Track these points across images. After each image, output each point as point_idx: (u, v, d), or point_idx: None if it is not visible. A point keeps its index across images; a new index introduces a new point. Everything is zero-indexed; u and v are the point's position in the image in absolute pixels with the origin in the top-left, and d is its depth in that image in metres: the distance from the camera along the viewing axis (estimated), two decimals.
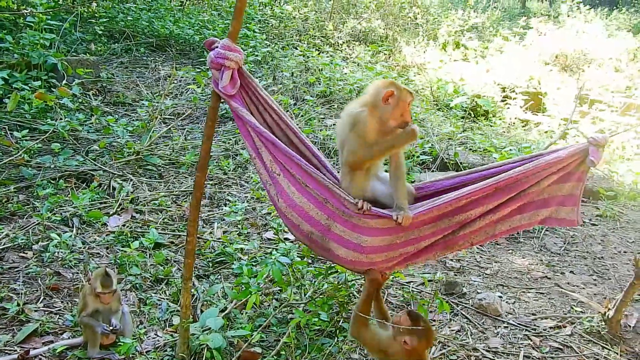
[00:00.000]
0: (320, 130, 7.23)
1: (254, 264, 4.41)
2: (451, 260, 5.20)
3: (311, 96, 8.37)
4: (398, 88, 3.04)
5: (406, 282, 4.63)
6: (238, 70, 3.08)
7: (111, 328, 3.53)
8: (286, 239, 4.83)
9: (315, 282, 4.15)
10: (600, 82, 11.57)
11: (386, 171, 3.27)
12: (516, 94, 10.63)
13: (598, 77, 11.86)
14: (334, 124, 7.17)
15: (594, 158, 2.91)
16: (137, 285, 4.27)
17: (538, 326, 4.25)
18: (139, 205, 5.44)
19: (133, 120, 7.34)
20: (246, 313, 3.93)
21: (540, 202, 3.04)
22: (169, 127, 7.28)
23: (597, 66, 12.78)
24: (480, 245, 5.49)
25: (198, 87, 8.14)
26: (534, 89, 11.18)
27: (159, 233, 4.96)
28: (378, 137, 3.03)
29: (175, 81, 8.71)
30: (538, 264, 5.30)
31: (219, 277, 4.48)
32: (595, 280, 5.08)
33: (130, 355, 3.47)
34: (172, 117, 7.73)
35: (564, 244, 5.74)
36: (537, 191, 3.01)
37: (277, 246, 4.60)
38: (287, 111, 7.64)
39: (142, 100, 7.97)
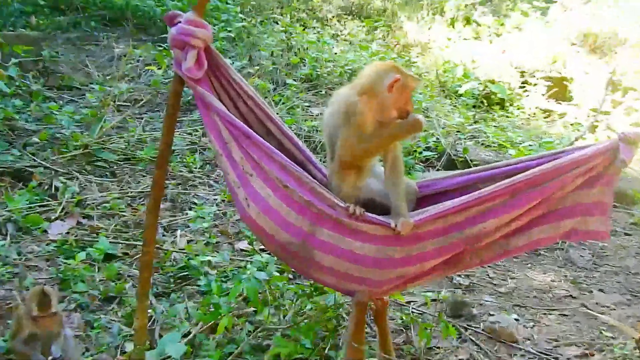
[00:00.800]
0: (305, 121, 7.22)
1: (224, 279, 4.40)
2: (459, 276, 5.20)
3: (294, 80, 8.36)
4: (403, 74, 3.04)
5: (405, 303, 4.63)
6: (205, 49, 3.05)
7: (50, 358, 3.48)
8: (262, 250, 4.81)
9: (297, 302, 4.13)
10: (636, 66, 11.64)
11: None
12: (537, 79, 10.70)
13: (633, 61, 11.93)
14: (320, 114, 7.16)
15: (625, 157, 2.89)
16: (83, 304, 4.23)
17: (561, 354, 4.26)
18: (87, 209, 5.40)
19: (81, 107, 7.29)
20: (214, 338, 3.91)
21: (563, 211, 3.00)
22: (124, 115, 7.24)
23: (631, 47, 12.85)
24: None
25: (159, 69, 8.10)
26: (558, 73, 11.25)
27: (110, 242, 4.92)
28: (376, 129, 3.02)
29: (132, 61, 8.66)
30: (561, 280, 5.32)
31: (182, 295, 4.45)
32: (628, 300, 5.10)
33: None
34: (128, 104, 7.68)
35: (592, 257, 5.77)
36: (559, 197, 2.97)
37: (251, 259, 4.58)
38: (266, 98, 7.62)
39: (92, 83, 7.91)
